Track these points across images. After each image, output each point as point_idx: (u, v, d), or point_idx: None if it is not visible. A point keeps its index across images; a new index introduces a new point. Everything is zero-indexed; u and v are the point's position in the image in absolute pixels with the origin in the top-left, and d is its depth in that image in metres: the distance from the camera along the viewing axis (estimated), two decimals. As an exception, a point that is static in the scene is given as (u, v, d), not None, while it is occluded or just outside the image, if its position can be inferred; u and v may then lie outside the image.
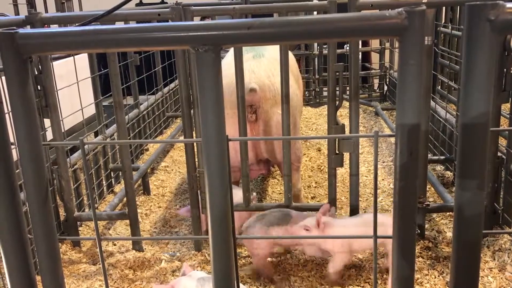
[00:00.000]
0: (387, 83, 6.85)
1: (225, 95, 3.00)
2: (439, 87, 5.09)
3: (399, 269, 1.05)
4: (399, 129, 0.98)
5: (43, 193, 1.06)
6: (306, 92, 6.82)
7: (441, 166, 4.25)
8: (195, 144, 2.97)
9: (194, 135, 2.96)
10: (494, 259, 2.81)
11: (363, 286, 2.70)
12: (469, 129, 0.96)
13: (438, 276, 2.74)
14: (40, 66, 2.90)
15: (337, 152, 2.91)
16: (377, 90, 7.07)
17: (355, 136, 1.07)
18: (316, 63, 6.87)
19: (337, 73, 2.85)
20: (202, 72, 0.96)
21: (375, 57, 7.24)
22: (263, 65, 3.17)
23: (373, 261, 1.08)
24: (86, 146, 3.74)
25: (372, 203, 3.65)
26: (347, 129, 2.94)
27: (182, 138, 4.56)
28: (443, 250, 2.98)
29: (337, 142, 2.90)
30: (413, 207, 1.01)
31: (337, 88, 2.97)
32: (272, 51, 3.37)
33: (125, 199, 3.34)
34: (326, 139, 3.20)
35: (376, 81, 7.21)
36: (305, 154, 4.92)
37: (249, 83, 2.93)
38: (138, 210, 3.76)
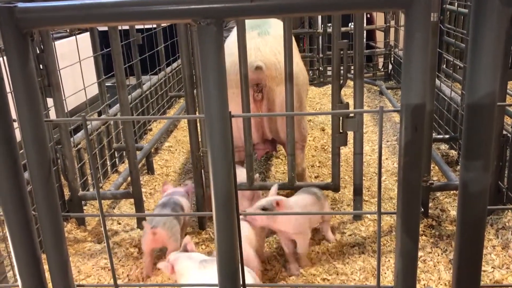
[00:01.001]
0: (392, 62, 6.78)
1: (230, 74, 2.98)
2: (445, 65, 5.04)
3: (403, 245, 1.05)
4: (404, 104, 0.96)
5: (46, 171, 1.06)
6: (310, 72, 6.77)
7: (446, 145, 4.23)
8: (198, 124, 2.96)
9: (197, 114, 2.95)
10: (498, 237, 2.82)
11: (363, 262, 2.71)
12: (475, 108, 0.95)
13: (441, 254, 2.75)
14: (42, 45, 2.88)
15: (341, 131, 2.90)
16: (382, 69, 7.01)
17: (359, 112, 1.05)
18: (320, 41, 6.81)
19: (342, 51, 2.82)
20: (204, 47, 0.94)
21: (380, 36, 7.15)
22: (268, 42, 3.13)
23: (377, 237, 1.08)
24: (89, 126, 3.74)
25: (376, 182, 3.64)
26: (351, 108, 2.92)
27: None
28: (447, 228, 2.99)
29: (341, 121, 2.88)
30: (417, 183, 1.00)
31: (342, 67, 2.94)
32: (277, 29, 3.32)
33: (129, 178, 3.35)
34: (330, 119, 3.18)
35: (380, 60, 7.15)
36: (309, 134, 4.90)
37: (254, 61, 2.90)
38: (142, 190, 3.77)
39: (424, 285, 2.51)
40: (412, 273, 1.07)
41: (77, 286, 1.19)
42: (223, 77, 0.97)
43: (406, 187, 1.01)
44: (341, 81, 2.83)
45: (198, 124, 2.96)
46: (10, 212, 1.07)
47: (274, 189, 2.72)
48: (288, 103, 2.82)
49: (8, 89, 1.00)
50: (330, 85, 5.42)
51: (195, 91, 2.91)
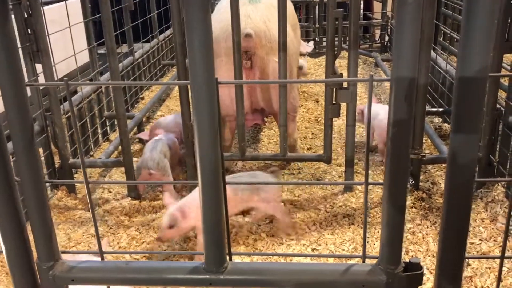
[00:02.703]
0: (389, 33, 6.71)
1: (220, 41, 2.92)
2: (442, 38, 4.98)
3: (389, 216, 1.04)
4: (394, 74, 0.94)
5: (28, 136, 1.03)
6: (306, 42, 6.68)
7: (439, 118, 4.22)
8: (190, 93, 2.92)
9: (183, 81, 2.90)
10: (487, 210, 2.84)
11: (353, 233, 2.73)
12: (466, 81, 0.93)
13: (431, 226, 2.77)
14: (29, 9, 2.81)
15: (334, 102, 2.87)
16: (378, 41, 6.93)
17: (348, 80, 1.03)
18: (317, 11, 6.70)
19: (337, 21, 2.77)
20: (190, 10, 0.91)
21: (377, 6, 7.04)
22: (259, 10, 3.07)
23: (364, 208, 1.07)
24: (79, 94, 3.69)
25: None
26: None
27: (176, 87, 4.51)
28: (437, 201, 3.01)
29: (334, 93, 2.85)
30: (405, 154, 0.99)
31: (337, 37, 2.89)
32: (270, -3, 3.26)
33: (120, 147, 3.33)
34: (324, 90, 3.14)
35: (377, 32, 7.06)
36: (302, 105, 4.88)
37: (244, 28, 2.84)
38: (134, 159, 3.76)
39: (412, 256, 2.54)
40: (398, 243, 1.07)
41: (62, 252, 1.18)
42: (209, 42, 0.94)
43: (393, 158, 0.99)
44: (336, 52, 2.79)
45: (190, 94, 2.92)
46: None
47: (166, 197, 2.61)
48: (281, 73, 2.78)
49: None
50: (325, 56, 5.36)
51: (186, 60, 2.86)
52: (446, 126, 4.03)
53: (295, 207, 3.03)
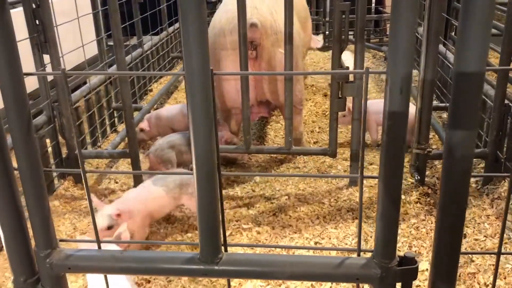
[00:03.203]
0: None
1: (225, 32, 2.92)
2: (454, 33, 4.92)
3: (384, 209, 1.04)
4: (390, 66, 0.94)
5: (25, 125, 1.04)
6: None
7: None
8: (185, 83, 2.92)
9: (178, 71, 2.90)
10: (492, 207, 2.81)
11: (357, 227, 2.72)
12: (463, 76, 0.92)
13: (435, 221, 2.76)
14: (38, 1, 2.82)
15: (340, 96, 2.86)
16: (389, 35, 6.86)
17: (343, 72, 1.02)
18: (327, 5, 6.66)
19: (343, 14, 2.75)
20: (185, 1, 0.91)
21: (389, 0, 6.97)
22: (266, 1, 3.05)
23: (359, 200, 1.07)
24: (87, 85, 3.72)
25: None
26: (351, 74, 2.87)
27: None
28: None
29: (340, 86, 2.84)
30: (400, 147, 0.98)
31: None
32: (278, -12, 3.24)
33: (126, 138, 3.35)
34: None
35: (389, 26, 6.99)
36: (310, 99, 4.87)
37: (250, 19, 2.83)
38: (141, 150, 3.78)
39: (415, 251, 2.53)
40: (392, 237, 1.07)
41: (60, 240, 1.20)
42: (203, 33, 0.94)
43: (389, 151, 0.99)
44: (342, 45, 2.77)
45: (185, 85, 2.92)
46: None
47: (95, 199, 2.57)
48: (286, 65, 2.77)
49: None
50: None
51: None
52: (455, 121, 3.98)
53: (299, 200, 3.03)
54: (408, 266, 1.08)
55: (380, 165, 1.01)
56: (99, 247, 1.20)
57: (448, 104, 3.93)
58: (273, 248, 2.52)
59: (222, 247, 1.13)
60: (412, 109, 3.30)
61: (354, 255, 1.16)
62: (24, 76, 1.03)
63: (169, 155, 3.17)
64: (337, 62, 2.80)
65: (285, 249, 2.51)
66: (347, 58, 4.90)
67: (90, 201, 1.16)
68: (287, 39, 2.71)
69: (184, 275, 1.16)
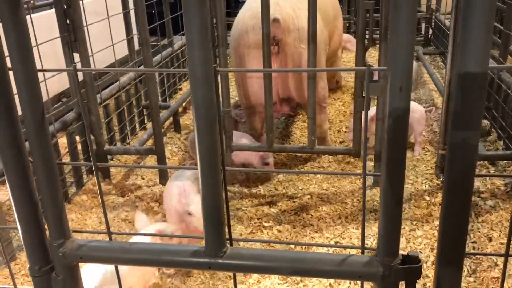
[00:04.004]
0: (432, 26, 6.51)
1: (248, 28, 2.93)
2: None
3: (386, 207, 1.03)
4: (391, 63, 0.93)
5: (39, 119, 1.09)
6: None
7: (479, 114, 4.07)
8: (220, 83, 2.96)
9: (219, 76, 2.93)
10: (521, 211, 2.73)
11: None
12: (466, 77, 0.91)
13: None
14: (69, 1, 2.92)
15: (363, 95, 2.83)
16: (422, 34, 6.74)
17: (345, 70, 1.02)
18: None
19: (368, 13, 2.73)
20: (187, -2, 0.93)
21: (423, -1, 6.84)
22: None
23: (362, 198, 1.06)
24: (117, 83, 3.81)
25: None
26: (375, 73, 2.85)
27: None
28: (469, 199, 2.92)
29: (364, 85, 2.81)
30: (402, 145, 0.98)
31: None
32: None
33: (153, 135, 3.41)
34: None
35: (423, 25, 6.86)
36: (339, 99, 4.84)
37: (272, 14, 2.84)
38: (168, 147, 3.85)
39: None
40: (395, 235, 1.06)
41: (73, 231, 1.24)
42: (206, 29, 0.95)
43: (390, 149, 0.99)
44: (366, 44, 2.75)
45: (219, 84, 2.95)
46: (7, 159, 1.12)
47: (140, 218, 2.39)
48: (309, 64, 2.77)
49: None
50: (370, 49, 5.26)
51: (228, 50, 2.87)
52: (485, 122, 3.88)
53: (321, 200, 3.03)
54: (412, 265, 1.07)
55: (382, 163, 1.01)
56: (110, 238, 1.24)
57: (478, 105, 3.83)
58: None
59: (227, 242, 1.15)
60: (419, 108, 3.30)
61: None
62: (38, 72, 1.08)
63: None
64: (361, 61, 2.78)
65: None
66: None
67: (101, 192, 1.20)
68: (310, 38, 2.71)
69: (189, 268, 1.19)
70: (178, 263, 1.15)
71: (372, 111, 3.17)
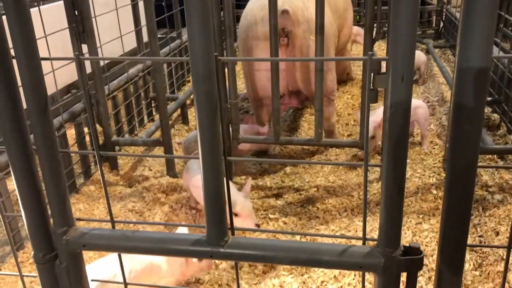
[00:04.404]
0: (443, 19, 6.44)
1: (257, 20, 2.93)
2: (502, 25, 4.72)
3: (387, 198, 1.03)
4: (392, 53, 0.93)
5: (42, 107, 1.10)
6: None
7: (488, 108, 4.04)
8: (226, 75, 2.95)
9: (225, 69, 2.93)
10: (529, 205, 2.71)
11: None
12: (466, 72, 0.90)
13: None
14: (77, -9, 2.92)
15: (371, 87, 2.81)
16: (433, 26, 6.66)
17: (347, 59, 1.01)
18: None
19: (376, 5, 2.70)
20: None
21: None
22: None
23: (364, 189, 1.06)
24: (125, 75, 3.82)
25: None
26: (383, 66, 2.82)
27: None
28: (476, 192, 2.90)
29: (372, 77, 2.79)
30: (403, 135, 0.97)
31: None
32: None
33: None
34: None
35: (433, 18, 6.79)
36: (347, 91, 4.81)
37: (281, 6, 2.83)
38: (176, 139, 3.86)
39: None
40: (396, 226, 1.06)
41: (77, 219, 1.25)
42: (207, 18, 0.95)
43: (392, 140, 0.98)
44: (374, 36, 2.73)
45: (226, 76, 2.96)
46: (12, 147, 1.13)
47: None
48: (317, 55, 2.76)
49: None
50: (378, 42, 5.22)
51: (235, 43, 2.85)
52: (495, 116, 3.85)
53: (328, 192, 3.02)
54: (413, 256, 1.07)
55: (383, 153, 1.01)
56: (113, 226, 1.25)
57: (488, 99, 3.79)
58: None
59: (229, 231, 1.16)
60: (422, 104, 3.33)
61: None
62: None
63: (194, 149, 3.18)
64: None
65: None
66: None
67: (104, 182, 1.21)
68: (318, 29, 2.69)
69: (191, 256, 1.19)
70: (180, 251, 1.16)
71: (379, 115, 3.15)
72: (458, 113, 0.94)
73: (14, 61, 1.07)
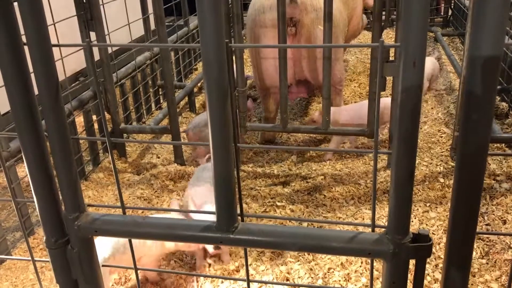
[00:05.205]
0: (452, 7, 6.38)
1: (265, 9, 2.91)
2: None
3: (397, 185, 1.03)
4: (403, 39, 0.92)
5: (53, 93, 1.10)
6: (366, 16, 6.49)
7: (497, 96, 4.01)
8: (234, 63, 2.95)
9: (233, 56, 2.93)
10: (537, 194, 2.70)
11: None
12: (478, 60, 0.90)
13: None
14: (85, -21, 2.92)
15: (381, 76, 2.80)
16: (442, 14, 6.60)
17: (357, 46, 1.01)
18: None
19: (386, -9, 2.68)
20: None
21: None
22: None
23: (373, 176, 1.06)
24: (133, 63, 3.82)
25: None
26: (391, 54, 2.81)
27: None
28: (483, 181, 2.89)
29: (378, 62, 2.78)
30: (414, 121, 0.97)
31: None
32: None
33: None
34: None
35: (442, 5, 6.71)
36: (354, 80, 4.79)
37: None
38: (183, 127, 3.87)
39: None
40: (405, 213, 1.07)
41: (88, 205, 1.27)
42: (218, 6, 0.95)
43: (402, 126, 0.98)
44: (383, 23, 2.71)
45: (234, 64, 2.95)
46: (24, 133, 1.14)
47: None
48: (325, 42, 2.74)
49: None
50: (388, 30, 5.19)
51: (244, 30, 2.83)
52: (504, 105, 3.82)
53: (335, 181, 3.03)
54: (422, 243, 1.07)
55: (393, 139, 1.01)
56: (124, 212, 1.26)
57: (497, 87, 3.76)
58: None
59: (239, 217, 1.17)
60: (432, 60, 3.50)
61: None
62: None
63: (206, 132, 3.22)
64: (377, 40, 2.74)
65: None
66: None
67: (115, 168, 1.22)
68: (326, 17, 2.68)
69: (200, 242, 1.21)
70: (189, 237, 1.17)
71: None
72: (468, 101, 0.94)
73: (26, 48, 1.08)
